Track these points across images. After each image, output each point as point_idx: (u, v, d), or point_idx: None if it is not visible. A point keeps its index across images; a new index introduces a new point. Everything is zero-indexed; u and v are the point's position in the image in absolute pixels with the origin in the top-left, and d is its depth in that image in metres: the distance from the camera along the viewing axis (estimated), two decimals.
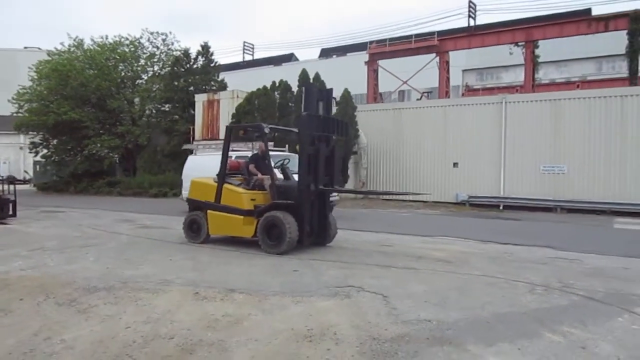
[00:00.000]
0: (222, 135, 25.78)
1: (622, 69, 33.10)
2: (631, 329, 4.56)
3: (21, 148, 44.45)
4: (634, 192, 18.39)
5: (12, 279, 6.33)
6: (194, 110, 27.18)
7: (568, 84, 34.78)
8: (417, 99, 36.01)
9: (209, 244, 9.30)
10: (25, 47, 55.40)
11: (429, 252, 8.71)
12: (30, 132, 31.23)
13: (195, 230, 9.46)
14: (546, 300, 5.55)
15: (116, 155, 30.90)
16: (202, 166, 14.63)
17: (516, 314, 4.97)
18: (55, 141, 30.65)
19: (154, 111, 30.67)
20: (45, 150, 31.01)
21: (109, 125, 29.43)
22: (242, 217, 8.72)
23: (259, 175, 9.02)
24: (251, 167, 9.20)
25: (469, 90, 40.36)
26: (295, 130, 9.85)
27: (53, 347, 4.04)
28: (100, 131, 28.91)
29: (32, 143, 31.04)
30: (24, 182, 37.65)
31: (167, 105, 29.33)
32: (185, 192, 14.34)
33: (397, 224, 13.85)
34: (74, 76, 27.64)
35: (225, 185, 9.02)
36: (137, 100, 30.37)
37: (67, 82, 27.76)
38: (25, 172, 43.55)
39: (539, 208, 19.51)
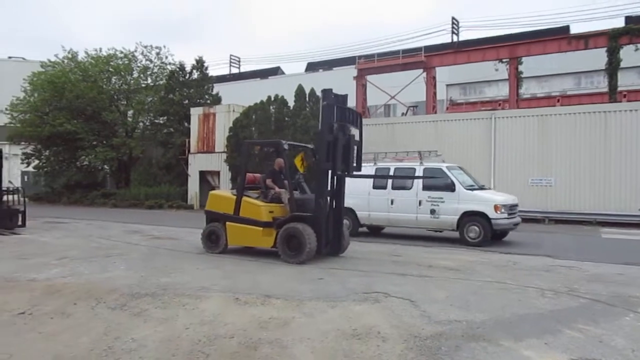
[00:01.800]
0: (217, 148, 26.43)
1: (600, 84, 34.50)
2: (638, 326, 5.14)
3: (6, 158, 44.04)
4: (618, 203, 19.25)
5: (58, 285, 6.69)
6: (189, 123, 27.58)
7: (549, 98, 35.95)
8: (403, 113, 36.83)
9: (227, 254, 9.72)
10: (10, 57, 55.07)
11: (437, 261, 9.26)
12: (22, 143, 31.20)
13: (213, 241, 9.88)
14: (557, 302, 6.12)
15: (107, 167, 31.04)
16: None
17: (534, 315, 5.52)
18: (47, 152, 30.69)
19: (147, 124, 30.93)
20: (37, 161, 31.02)
21: (104, 137, 29.61)
22: (261, 228, 9.18)
23: (277, 189, 9.50)
24: (268, 181, 9.67)
25: (453, 105, 41.32)
26: (311, 146, 10.39)
27: (128, 345, 4.46)
28: (94, 143, 29.07)
29: (24, 154, 31.04)
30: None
31: (161, 118, 29.66)
32: None
33: (398, 235, 14.36)
34: (70, 88, 27.83)
35: (244, 198, 9.47)
36: (130, 112, 30.62)
37: (62, 94, 27.95)
38: (10, 182, 43.19)
39: (528, 219, 20.20)
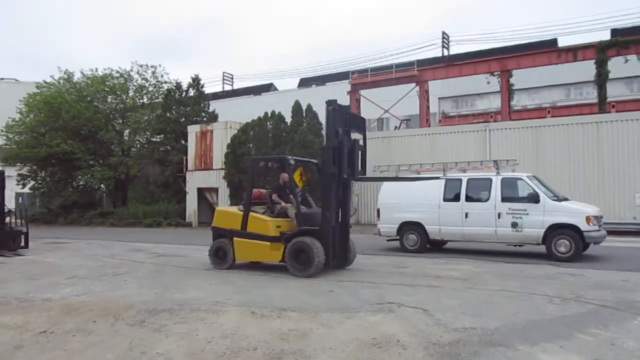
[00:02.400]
0: (215, 165, 26.55)
1: (589, 95, 35.09)
2: None
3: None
4: (613, 212, 19.53)
5: (74, 304, 6.77)
6: (186, 140, 27.74)
7: (540, 110, 36.47)
8: (396, 126, 37.21)
9: (234, 269, 9.82)
10: (1, 79, 55.12)
11: (444, 272, 9.41)
12: (18, 164, 31.17)
13: (221, 257, 9.98)
14: (566, 309, 6.28)
15: (103, 186, 31.05)
16: (401, 192, 13.08)
17: (545, 321, 5.68)
18: (43, 173, 30.68)
19: (144, 142, 31.06)
20: (33, 182, 30.98)
21: (100, 156, 29.69)
22: (269, 243, 9.30)
23: (283, 204, 9.64)
24: (274, 196, 9.80)
25: (446, 118, 41.78)
26: (315, 161, 10.57)
27: (156, 359, 4.55)
28: (91, 162, 29.13)
29: (19, 175, 30.97)
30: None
31: (158, 136, 29.80)
32: (381, 226, 13.48)
33: (399, 247, 14.51)
34: (66, 109, 27.96)
35: (251, 214, 9.60)
36: (127, 131, 30.76)
37: (58, 115, 28.07)
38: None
39: None
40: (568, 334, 5.11)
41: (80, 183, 30.82)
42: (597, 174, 20.09)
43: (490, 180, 11.95)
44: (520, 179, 11.84)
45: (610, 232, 18.61)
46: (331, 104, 9.18)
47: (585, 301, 6.68)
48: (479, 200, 12.08)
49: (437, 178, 12.13)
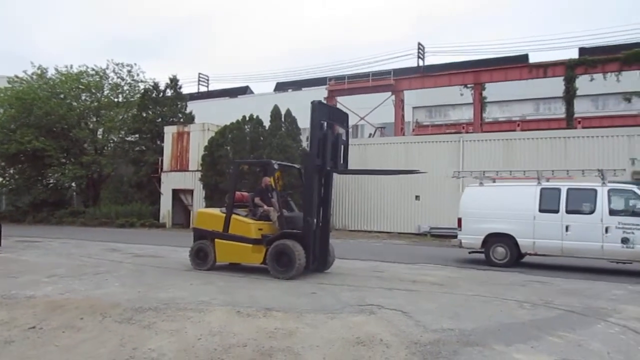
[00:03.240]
0: (191, 166, 26.48)
1: (557, 110, 36.38)
2: (609, 333, 5.71)
3: None
4: None
5: (59, 301, 6.80)
6: (162, 141, 27.56)
7: (510, 123, 37.56)
8: (370, 134, 37.78)
9: (215, 270, 9.93)
10: None
11: (419, 277, 9.74)
12: None
13: (202, 258, 10.08)
14: (536, 313, 6.65)
15: (74, 185, 30.54)
16: (488, 200, 12.21)
17: (517, 324, 6.03)
18: (12, 170, 29.98)
19: (118, 141, 30.70)
20: (0, 179, 30.23)
21: (73, 155, 29.20)
22: (250, 245, 9.47)
23: (265, 207, 9.83)
24: (257, 199, 10.00)
25: (419, 127, 42.58)
26: (297, 166, 10.80)
27: (148, 354, 4.69)
28: (63, 160, 28.62)
29: None
30: None
31: (133, 136, 29.51)
32: (463, 236, 12.45)
33: (375, 252, 14.88)
34: (39, 105, 27.44)
35: (234, 216, 9.75)
36: (100, 130, 30.35)
37: (30, 111, 27.51)
38: None
39: None
40: (538, 336, 5.46)
41: (51, 181, 30.21)
42: None
43: (595, 190, 11.09)
44: (632, 190, 10.99)
45: None
46: (315, 125, 9.45)
47: (554, 306, 7.08)
48: (581, 212, 11.10)
49: (417, 172, 12.05)
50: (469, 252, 12.75)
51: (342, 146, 9.96)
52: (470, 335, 5.42)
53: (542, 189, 11.60)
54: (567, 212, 11.17)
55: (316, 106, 9.38)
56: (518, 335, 5.48)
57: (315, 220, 9.28)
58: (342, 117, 10.35)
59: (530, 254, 11.82)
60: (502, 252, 11.84)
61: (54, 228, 25.07)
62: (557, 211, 11.25)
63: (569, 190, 11.33)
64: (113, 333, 5.41)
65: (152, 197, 27.82)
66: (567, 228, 11.09)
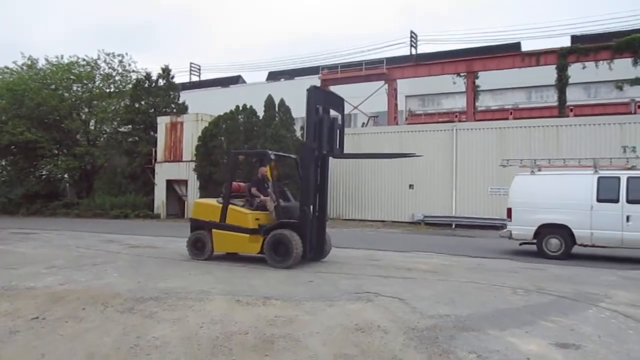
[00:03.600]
0: (185, 157, 26.46)
1: (549, 98, 36.53)
2: (601, 317, 5.88)
3: None
4: None
5: (60, 292, 6.88)
6: (155, 131, 27.49)
7: (502, 111, 37.75)
8: (363, 123, 37.86)
9: (212, 260, 10.03)
10: None
11: (414, 265, 9.90)
12: None
13: (199, 248, 10.17)
14: (529, 299, 6.82)
15: (66, 177, 30.46)
16: (540, 190, 11.72)
17: (511, 309, 6.18)
18: (4, 161, 29.83)
19: (111, 132, 30.58)
20: None
21: (65, 146, 29.07)
22: (247, 235, 9.57)
23: (262, 197, 9.91)
24: (253, 189, 10.07)
25: (412, 116, 42.69)
26: (293, 156, 10.87)
27: (153, 342, 4.79)
28: (55, 152, 28.50)
29: None
30: None
31: (126, 127, 29.40)
32: (514, 227, 11.95)
33: (370, 241, 15.03)
34: (30, 96, 27.26)
35: (230, 206, 9.83)
36: (93, 121, 30.22)
37: (22, 102, 27.33)
38: None
39: (488, 226, 21.32)
40: (532, 321, 5.61)
41: (43, 173, 30.11)
42: None
43: None
44: None
45: None
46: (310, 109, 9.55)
47: (546, 292, 7.24)
48: None
49: (413, 155, 12.02)
50: (520, 244, 12.27)
51: (338, 130, 10.07)
52: (465, 320, 5.56)
53: (599, 178, 11.13)
54: (628, 201, 10.73)
55: (312, 91, 9.49)
56: (512, 320, 5.63)
57: (312, 210, 9.38)
58: (338, 102, 10.45)
59: (586, 246, 11.35)
60: (556, 243, 11.38)
61: (48, 220, 25.05)
62: (617, 201, 10.83)
63: (629, 178, 10.86)
64: (116, 323, 5.49)
65: (146, 188, 27.80)
66: (628, 218, 10.68)
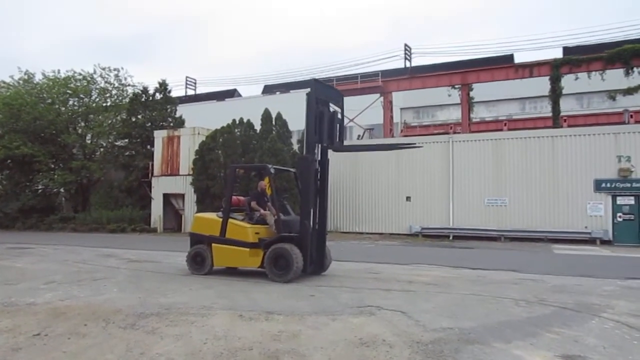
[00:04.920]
0: (182, 170, 26.45)
1: (542, 109, 36.96)
2: (604, 328, 5.88)
3: None
4: (566, 221, 20.71)
5: (60, 308, 6.83)
6: (152, 145, 27.48)
7: (497, 122, 38.01)
8: (359, 135, 38.03)
9: (212, 275, 9.99)
10: None
11: (414, 277, 9.89)
12: None
13: (199, 263, 10.13)
14: (531, 311, 6.82)
15: (63, 191, 30.35)
16: None
17: (514, 321, 6.18)
18: (0, 176, 29.73)
19: (107, 146, 30.56)
20: None
21: (62, 160, 29.02)
22: (248, 249, 9.54)
23: (262, 211, 9.91)
24: (253, 203, 10.07)
25: (408, 128, 42.91)
26: (292, 169, 10.89)
27: (157, 359, 4.75)
28: (52, 166, 28.44)
29: None
30: None
31: (122, 141, 29.39)
32: None
33: (369, 254, 15.02)
34: (27, 110, 27.25)
35: (230, 220, 9.82)
36: (89, 135, 30.22)
37: (18, 117, 27.32)
38: None
39: (485, 237, 21.41)
40: (536, 332, 5.61)
41: (39, 187, 30.01)
42: (552, 184, 21.23)
43: None
44: None
45: (563, 240, 19.85)
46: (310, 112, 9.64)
47: (548, 304, 7.25)
48: None
49: (413, 146, 12.20)
50: None
51: (338, 125, 10.13)
52: (470, 333, 5.55)
53: None
54: None
55: (313, 84, 9.59)
56: (516, 332, 5.63)
57: (311, 223, 9.38)
58: (338, 97, 10.53)
59: None
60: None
61: (44, 234, 24.90)
62: None
63: None
64: (118, 339, 5.45)
65: (143, 201, 27.73)
66: None
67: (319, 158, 9.80)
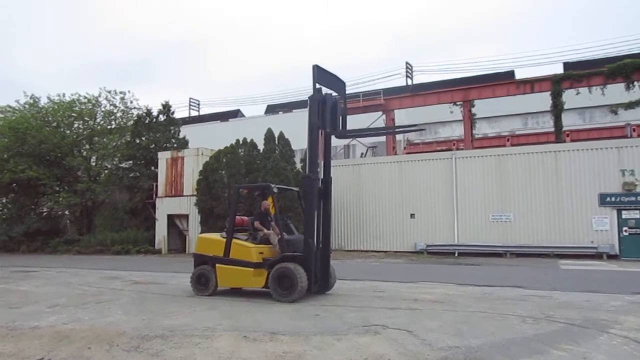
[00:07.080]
0: (186, 191, 26.51)
1: (545, 124, 37.03)
2: (613, 344, 5.81)
3: None
4: (572, 236, 20.57)
5: (64, 331, 6.81)
6: (156, 167, 27.61)
7: (499, 138, 38.05)
8: (362, 153, 38.13)
9: (217, 296, 9.95)
10: None
11: (420, 295, 9.82)
12: None
13: (203, 284, 10.10)
14: (538, 327, 6.75)
15: (67, 213, 30.46)
16: None
17: (521, 339, 6.12)
18: (5, 199, 29.88)
19: (112, 168, 30.76)
20: None
21: (67, 183, 29.18)
22: (252, 269, 9.51)
23: (265, 231, 9.91)
24: (256, 223, 10.07)
25: (411, 145, 43.03)
26: (295, 188, 10.92)
27: None
28: (57, 189, 28.58)
29: None
30: None
31: (127, 162, 29.56)
32: None
33: (374, 272, 14.93)
34: (32, 134, 27.51)
35: (234, 240, 9.82)
36: (94, 157, 30.44)
37: (24, 140, 27.57)
38: None
39: (490, 254, 21.25)
40: (543, 350, 5.55)
41: (44, 210, 30.13)
42: (556, 199, 21.14)
43: None
44: None
45: (569, 256, 19.69)
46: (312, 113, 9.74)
47: (555, 320, 7.18)
48: None
49: (419, 128, 12.32)
50: None
51: (341, 116, 10.16)
52: (476, 351, 5.50)
53: None
54: None
55: (315, 71, 9.60)
56: (523, 349, 5.57)
57: (315, 242, 9.37)
58: (340, 85, 10.55)
59: None
60: None
61: (49, 257, 24.91)
62: None
63: None
64: None
65: (147, 223, 27.75)
66: None
67: (322, 177, 9.82)
